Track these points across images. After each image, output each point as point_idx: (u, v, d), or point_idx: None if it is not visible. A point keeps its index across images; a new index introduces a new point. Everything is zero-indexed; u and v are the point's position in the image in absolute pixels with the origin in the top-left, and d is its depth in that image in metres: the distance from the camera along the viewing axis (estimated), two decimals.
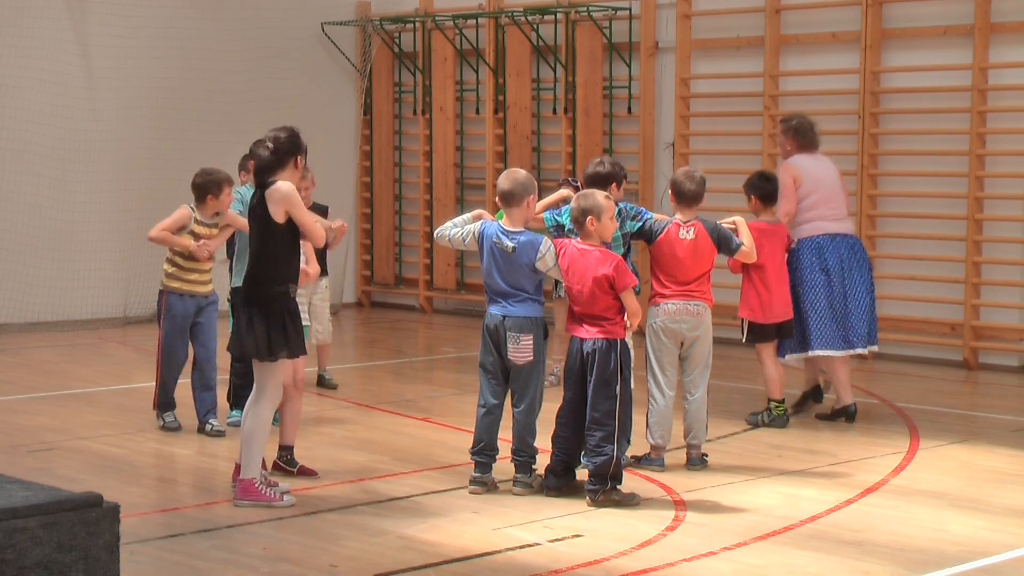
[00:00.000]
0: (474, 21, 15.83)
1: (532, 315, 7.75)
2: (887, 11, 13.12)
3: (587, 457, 7.66)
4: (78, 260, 14.80)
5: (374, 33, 16.73)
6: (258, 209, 7.47)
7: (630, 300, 7.64)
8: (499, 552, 6.72)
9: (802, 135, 10.27)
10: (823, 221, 10.01)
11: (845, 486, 8.09)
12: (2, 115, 14.37)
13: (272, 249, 7.46)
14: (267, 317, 7.47)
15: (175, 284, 9.39)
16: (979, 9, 12.42)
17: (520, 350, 7.74)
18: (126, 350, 13.60)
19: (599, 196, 7.76)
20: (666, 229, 8.38)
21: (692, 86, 14.43)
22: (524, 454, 7.84)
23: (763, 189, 9.84)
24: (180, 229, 9.30)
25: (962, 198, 12.58)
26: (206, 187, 9.26)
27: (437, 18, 16.02)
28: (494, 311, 7.79)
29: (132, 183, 14.97)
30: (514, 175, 7.84)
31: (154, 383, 9.54)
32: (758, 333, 9.72)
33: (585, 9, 14.85)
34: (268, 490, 7.51)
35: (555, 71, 15.30)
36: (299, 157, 7.55)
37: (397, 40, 16.70)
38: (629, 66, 14.72)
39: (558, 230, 8.23)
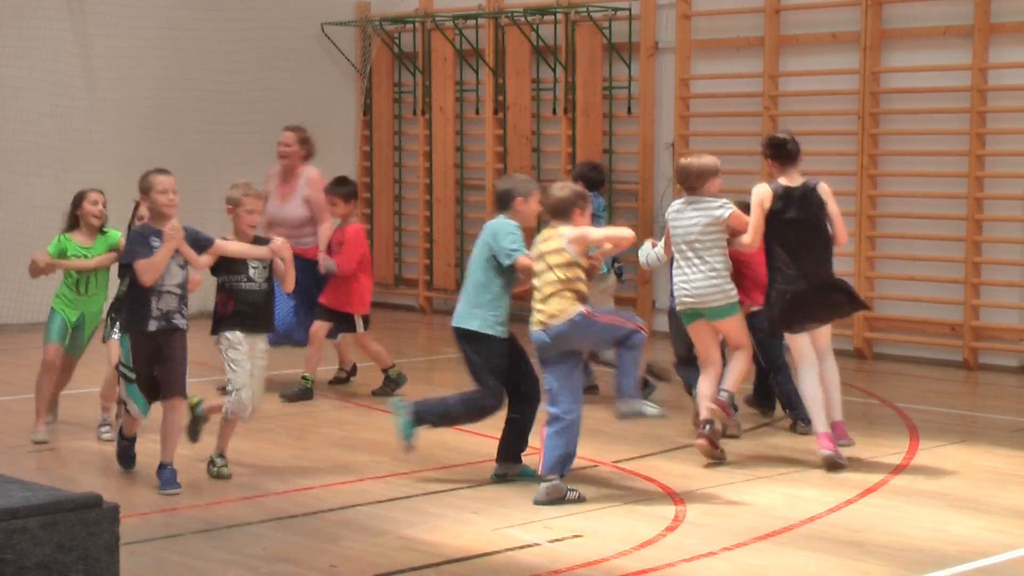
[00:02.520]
0: (474, 21, 15.83)
1: None
2: (887, 11, 13.12)
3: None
4: None
5: (374, 34, 16.73)
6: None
7: None
8: (499, 552, 6.72)
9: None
10: None
11: (845, 486, 8.09)
12: (2, 115, 14.37)
13: None
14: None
15: None
16: (979, 9, 12.42)
17: None
18: None
19: None
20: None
21: (692, 86, 14.43)
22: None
23: None
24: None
25: (962, 198, 12.58)
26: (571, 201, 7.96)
27: (437, 18, 16.02)
28: None
29: (132, 183, 14.88)
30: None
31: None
32: None
33: (585, 9, 14.85)
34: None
35: (555, 71, 15.30)
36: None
37: (397, 40, 16.70)
38: (629, 66, 14.72)
39: None
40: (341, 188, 11.06)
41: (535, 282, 7.86)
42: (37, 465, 8.37)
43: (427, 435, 9.58)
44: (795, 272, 8.58)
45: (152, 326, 7.94)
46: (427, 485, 8.04)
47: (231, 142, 15.48)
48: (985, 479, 8.39)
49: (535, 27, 15.33)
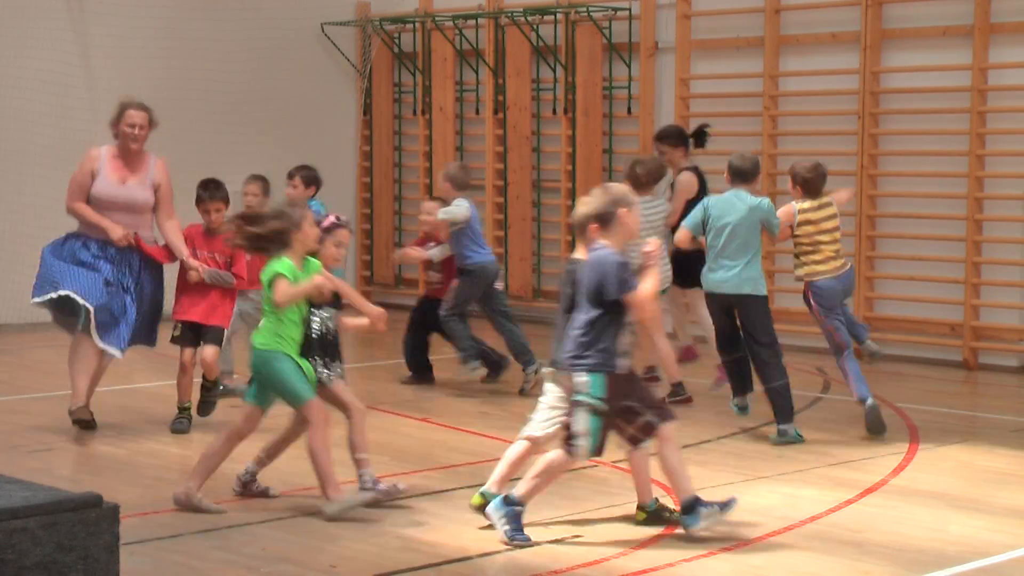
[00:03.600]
0: (474, 21, 15.83)
1: None
2: (887, 11, 13.12)
3: None
4: None
5: (374, 33, 16.74)
6: None
7: None
8: (499, 552, 6.72)
9: None
10: None
11: (845, 486, 8.09)
12: (2, 115, 14.37)
13: None
14: None
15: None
16: (979, 9, 12.42)
17: None
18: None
19: None
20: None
21: (692, 86, 14.43)
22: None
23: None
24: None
25: (962, 198, 12.58)
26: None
27: (437, 18, 16.02)
28: None
29: None
30: None
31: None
32: None
33: (585, 9, 14.86)
34: None
35: (555, 71, 15.30)
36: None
37: (397, 40, 16.70)
38: (629, 66, 14.72)
39: None
40: (222, 192, 9.64)
41: (823, 237, 9.46)
42: (37, 465, 8.36)
43: (427, 435, 9.58)
44: None
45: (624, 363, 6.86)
46: (427, 485, 8.04)
47: (231, 142, 15.47)
48: (985, 479, 8.39)
49: (535, 27, 15.33)
